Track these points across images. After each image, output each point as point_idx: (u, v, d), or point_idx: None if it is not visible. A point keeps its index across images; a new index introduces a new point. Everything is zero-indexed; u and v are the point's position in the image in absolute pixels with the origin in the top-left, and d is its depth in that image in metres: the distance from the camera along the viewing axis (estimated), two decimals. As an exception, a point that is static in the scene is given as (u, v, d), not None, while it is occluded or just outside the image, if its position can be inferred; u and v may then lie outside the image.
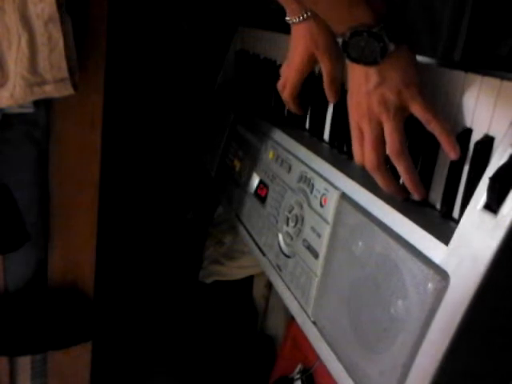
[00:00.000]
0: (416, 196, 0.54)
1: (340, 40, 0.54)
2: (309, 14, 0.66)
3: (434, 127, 0.51)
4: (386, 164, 0.55)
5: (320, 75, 0.71)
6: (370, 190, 0.58)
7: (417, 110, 0.52)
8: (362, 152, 0.56)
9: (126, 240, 1.34)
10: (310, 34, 0.68)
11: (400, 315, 0.50)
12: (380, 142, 0.54)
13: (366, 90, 0.53)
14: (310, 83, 0.75)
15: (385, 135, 0.53)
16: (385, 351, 0.52)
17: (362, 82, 0.54)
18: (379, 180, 0.56)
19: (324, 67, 0.70)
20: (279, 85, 0.77)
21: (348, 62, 0.55)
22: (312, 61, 0.71)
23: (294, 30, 0.70)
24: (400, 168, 0.53)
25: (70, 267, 1.04)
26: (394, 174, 0.56)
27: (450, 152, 0.50)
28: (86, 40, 0.85)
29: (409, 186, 0.54)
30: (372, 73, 0.52)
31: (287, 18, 0.70)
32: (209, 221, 1.44)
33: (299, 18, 0.67)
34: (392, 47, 0.50)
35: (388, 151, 0.53)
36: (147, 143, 1.33)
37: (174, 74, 1.29)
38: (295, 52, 0.72)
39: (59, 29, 0.74)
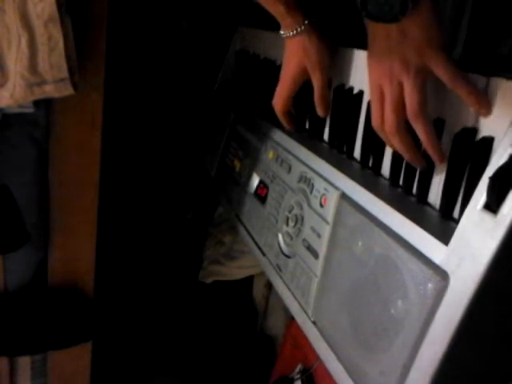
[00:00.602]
0: (435, 160, 0.52)
1: None
2: (302, 28, 0.67)
3: (459, 88, 0.48)
4: (406, 129, 0.52)
5: None
6: (370, 190, 0.58)
7: (440, 69, 0.49)
8: (381, 114, 0.54)
9: (126, 240, 1.34)
10: (303, 49, 0.69)
11: (400, 315, 0.50)
12: (401, 103, 0.51)
13: (386, 49, 0.51)
14: (309, 84, 0.75)
15: (404, 96, 0.51)
16: (385, 351, 0.52)
17: (382, 40, 0.51)
18: (398, 145, 0.54)
19: (315, 82, 0.70)
20: (273, 102, 0.78)
21: (367, 21, 0.52)
22: (304, 75, 0.71)
23: (288, 43, 0.71)
24: (418, 130, 0.51)
25: (70, 267, 1.04)
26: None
27: (481, 110, 0.48)
28: (86, 40, 0.85)
29: (428, 149, 0.52)
30: (392, 30, 0.50)
31: (281, 32, 0.71)
32: (209, 221, 1.44)
33: (293, 32, 0.68)
34: (412, 2, 0.47)
35: (407, 112, 0.51)
36: (147, 143, 1.33)
37: (173, 74, 1.29)
38: (288, 67, 0.73)
39: (59, 29, 0.74)
